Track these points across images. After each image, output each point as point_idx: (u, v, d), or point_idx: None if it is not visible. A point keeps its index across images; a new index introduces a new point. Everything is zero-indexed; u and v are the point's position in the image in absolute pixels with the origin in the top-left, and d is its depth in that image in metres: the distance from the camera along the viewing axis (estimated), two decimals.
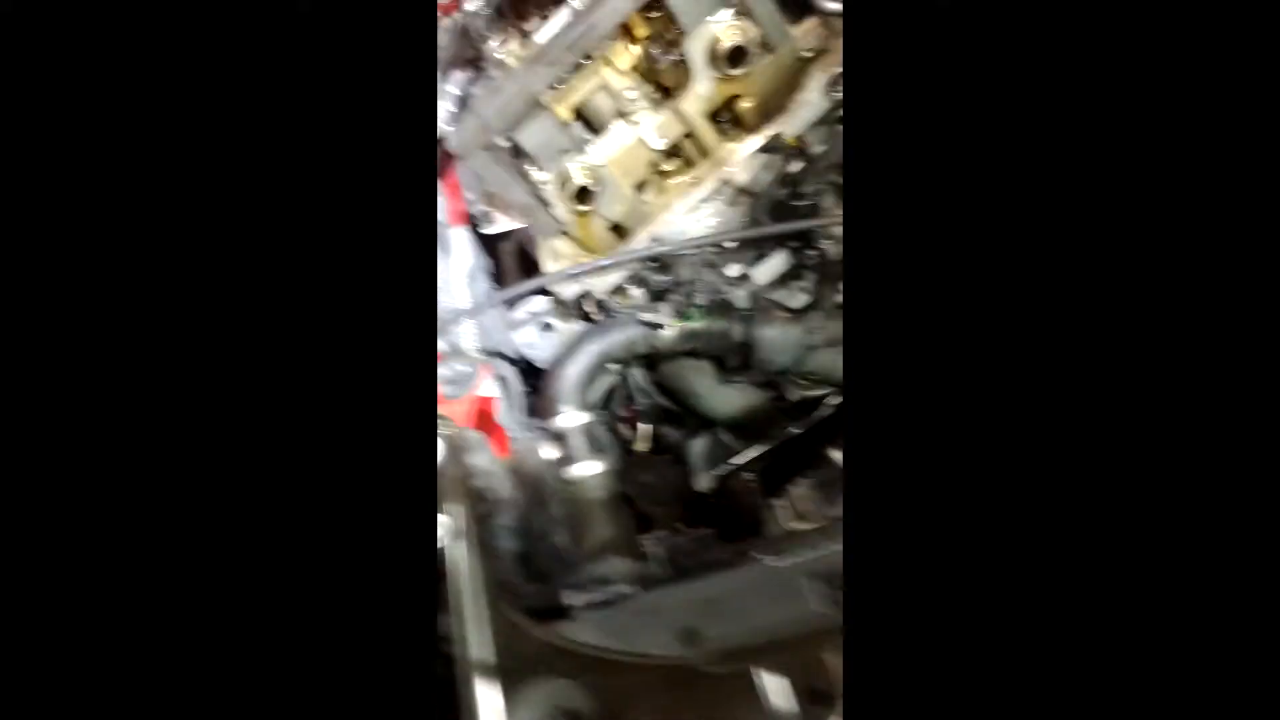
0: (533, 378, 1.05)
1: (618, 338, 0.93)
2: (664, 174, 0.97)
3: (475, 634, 0.49)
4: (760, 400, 1.03)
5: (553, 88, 0.89)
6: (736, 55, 0.87)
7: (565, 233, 0.98)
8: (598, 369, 0.94)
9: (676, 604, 0.55)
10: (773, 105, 0.91)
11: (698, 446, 1.03)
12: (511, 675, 0.48)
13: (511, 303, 1.01)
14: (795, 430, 1.02)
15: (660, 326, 0.90)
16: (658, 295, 1.01)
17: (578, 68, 0.89)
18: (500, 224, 1.03)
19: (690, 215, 0.93)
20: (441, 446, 0.58)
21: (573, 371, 0.92)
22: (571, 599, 0.55)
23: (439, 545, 0.53)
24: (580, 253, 1.00)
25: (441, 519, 0.54)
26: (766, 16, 0.86)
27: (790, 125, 0.89)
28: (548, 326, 1.06)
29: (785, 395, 1.03)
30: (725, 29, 0.86)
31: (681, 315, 0.90)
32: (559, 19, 0.87)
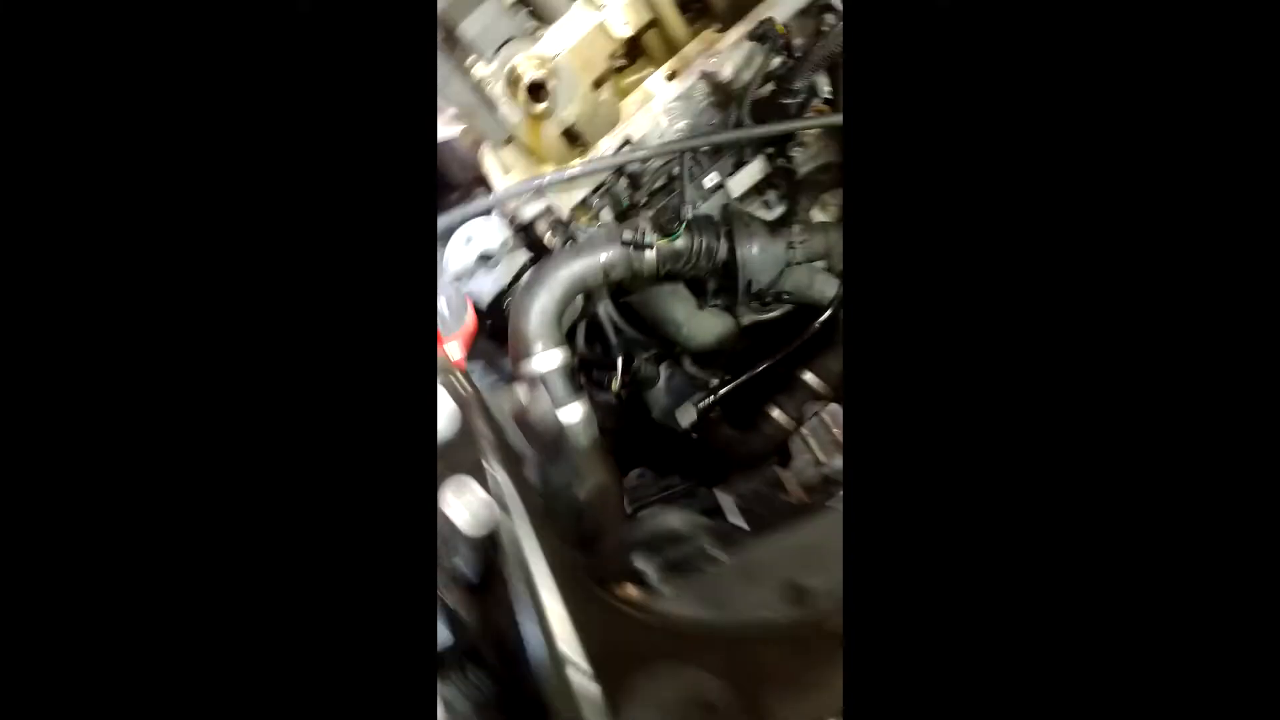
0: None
1: (591, 262, 0.80)
2: (621, 70, 0.84)
3: (559, 625, 0.39)
4: (733, 326, 0.95)
5: None
6: None
7: (512, 138, 0.84)
8: (569, 300, 0.81)
9: (769, 560, 0.47)
10: None
11: (675, 380, 0.94)
12: (614, 668, 0.38)
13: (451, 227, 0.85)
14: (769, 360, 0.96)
15: (648, 246, 0.79)
16: (625, 212, 0.89)
17: None
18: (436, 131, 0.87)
19: (663, 117, 0.82)
20: (455, 404, 0.46)
21: (545, 303, 0.79)
22: (643, 564, 0.46)
23: (489, 528, 0.41)
24: (531, 163, 0.86)
25: (479, 494, 0.42)
26: None
27: (777, 12, 0.79)
28: (486, 258, 0.92)
29: (758, 318, 0.96)
30: None
31: (667, 233, 0.79)
32: None
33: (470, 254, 0.90)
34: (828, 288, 0.92)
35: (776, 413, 0.89)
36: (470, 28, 0.76)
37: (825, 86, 0.83)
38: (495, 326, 0.93)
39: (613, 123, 0.83)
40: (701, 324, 0.91)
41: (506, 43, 0.79)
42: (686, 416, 0.91)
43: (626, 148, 0.81)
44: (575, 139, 0.86)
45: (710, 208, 0.88)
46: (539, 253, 0.91)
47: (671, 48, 0.83)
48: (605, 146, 0.81)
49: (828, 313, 0.91)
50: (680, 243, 0.80)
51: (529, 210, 0.84)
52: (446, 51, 0.78)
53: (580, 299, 0.90)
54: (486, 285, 0.93)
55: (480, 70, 0.79)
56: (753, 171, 0.90)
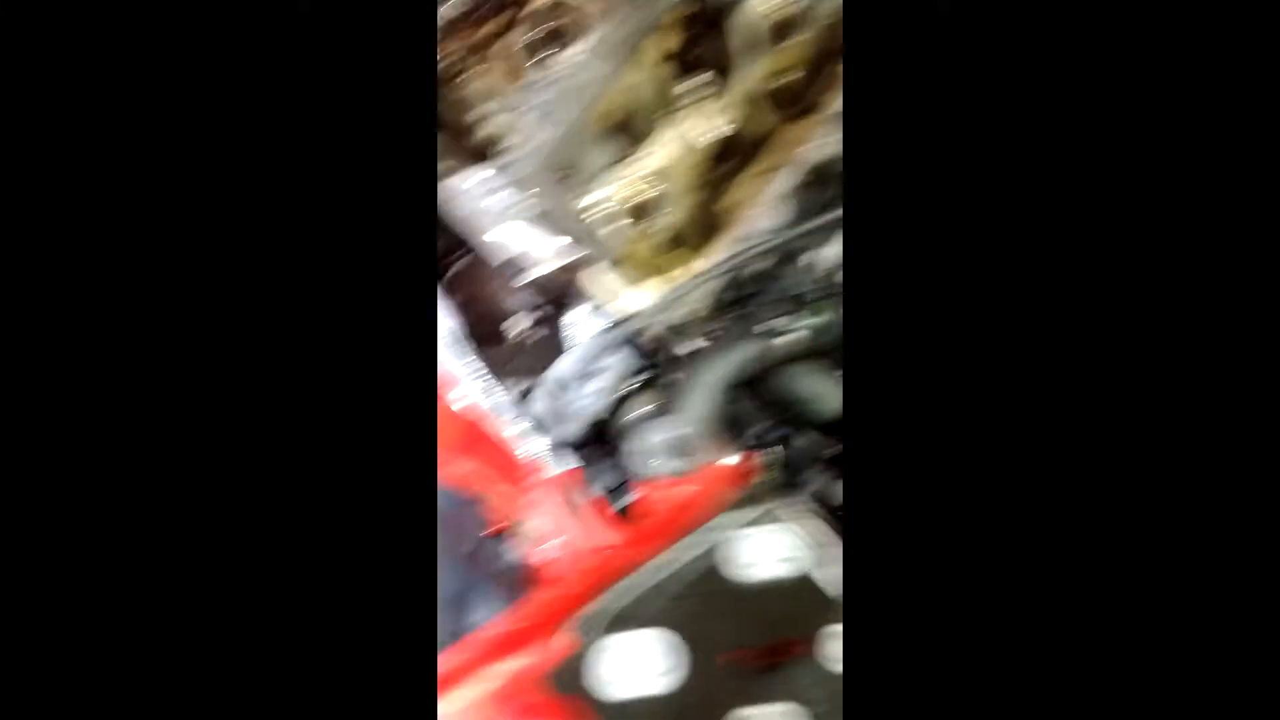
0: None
1: (731, 362, 0.81)
2: (721, 170, 0.87)
3: None
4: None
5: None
6: (783, 29, 0.80)
7: (621, 260, 0.84)
8: (722, 405, 0.81)
9: None
10: (821, 75, 0.85)
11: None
12: None
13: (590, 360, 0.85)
14: None
15: (785, 333, 0.80)
16: (737, 303, 0.91)
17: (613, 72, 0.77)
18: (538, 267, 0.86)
19: (772, 209, 0.84)
20: None
21: (701, 414, 0.79)
22: None
23: None
24: (641, 279, 0.87)
25: None
26: None
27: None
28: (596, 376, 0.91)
29: None
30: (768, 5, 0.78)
31: (811, 312, 0.81)
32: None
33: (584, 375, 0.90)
34: None
35: None
36: (573, 156, 0.77)
37: None
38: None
39: (721, 223, 0.85)
40: (833, 394, 0.92)
41: (610, 166, 0.81)
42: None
43: (743, 245, 0.83)
44: (681, 243, 0.88)
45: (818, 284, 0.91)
46: (648, 360, 0.91)
47: (768, 143, 0.86)
48: (722, 248, 0.83)
49: None
50: (819, 320, 0.82)
51: (660, 321, 0.84)
52: (554, 182, 0.79)
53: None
54: (589, 400, 0.92)
55: (587, 198, 0.81)
56: (837, 242, 0.93)
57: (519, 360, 0.91)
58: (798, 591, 0.75)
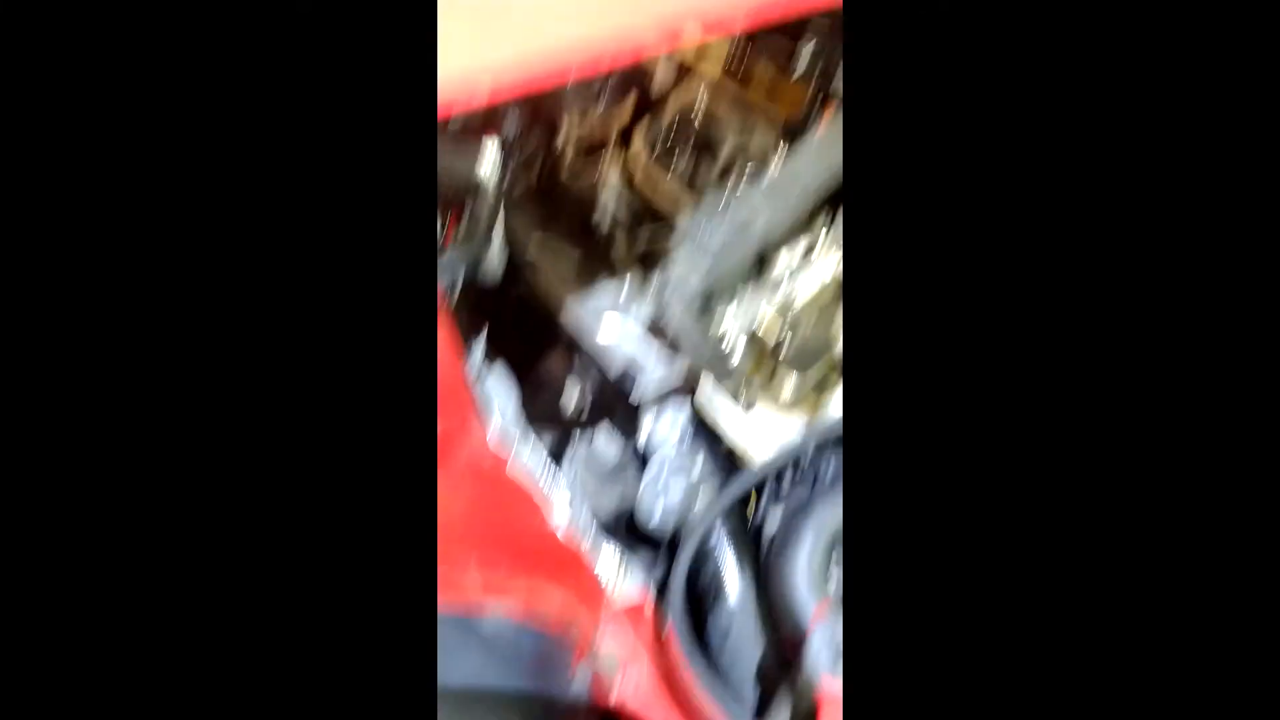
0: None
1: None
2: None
3: None
4: None
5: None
6: None
7: (746, 383, 0.83)
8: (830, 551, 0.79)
9: None
10: None
11: None
12: None
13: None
14: None
15: None
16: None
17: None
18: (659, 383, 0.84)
19: None
20: None
21: (808, 558, 0.76)
22: None
23: None
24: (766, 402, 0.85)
25: None
26: None
27: None
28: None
29: None
30: None
31: None
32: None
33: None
34: None
35: None
36: (699, 280, 0.76)
37: None
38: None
39: (827, 350, 0.83)
40: None
41: (741, 290, 0.79)
42: None
43: None
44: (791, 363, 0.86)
45: None
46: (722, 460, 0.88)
47: None
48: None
49: None
50: None
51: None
52: (690, 310, 0.78)
53: None
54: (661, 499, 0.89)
55: (718, 324, 0.79)
56: None
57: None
58: None
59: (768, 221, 0.70)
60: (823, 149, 0.69)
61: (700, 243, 0.69)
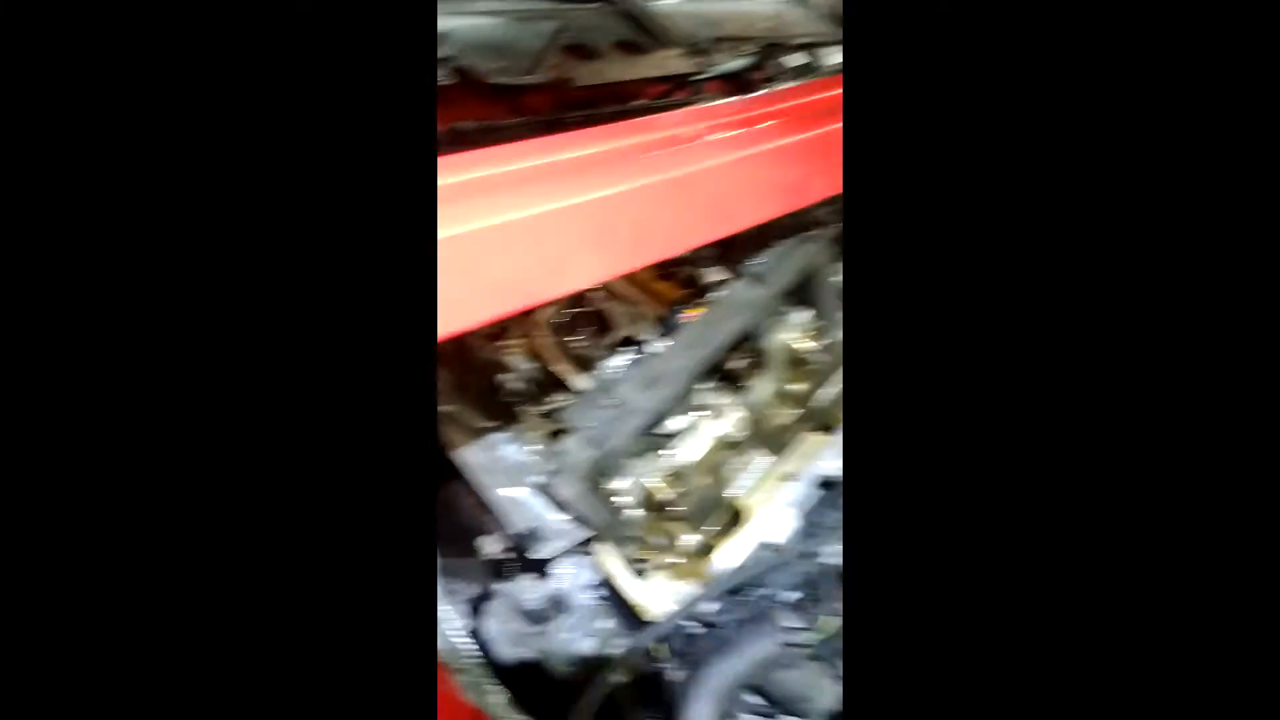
0: None
1: (742, 664, 0.83)
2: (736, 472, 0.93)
3: None
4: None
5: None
6: (800, 357, 0.90)
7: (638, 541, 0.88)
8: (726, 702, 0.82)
9: None
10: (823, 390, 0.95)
11: None
12: None
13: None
14: None
15: (791, 638, 0.83)
16: (744, 603, 0.94)
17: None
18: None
19: (789, 514, 0.90)
20: None
21: (706, 712, 0.80)
22: None
23: None
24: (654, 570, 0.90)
25: None
26: (829, 316, 0.91)
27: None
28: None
29: None
30: (799, 335, 0.89)
31: (817, 627, 0.84)
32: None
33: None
34: None
35: None
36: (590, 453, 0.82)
37: None
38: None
39: (720, 506, 0.90)
40: (830, 692, 0.93)
41: (634, 458, 0.86)
42: None
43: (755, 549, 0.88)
44: (686, 522, 0.92)
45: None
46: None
47: (772, 440, 0.94)
48: (740, 547, 0.88)
49: None
50: (832, 631, 0.85)
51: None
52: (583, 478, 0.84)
53: None
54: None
55: (612, 486, 0.85)
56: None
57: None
58: None
59: (652, 396, 0.77)
60: (695, 335, 0.79)
61: (590, 417, 0.76)
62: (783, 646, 0.82)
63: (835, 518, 0.94)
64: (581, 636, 0.89)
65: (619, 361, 0.90)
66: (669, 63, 1.01)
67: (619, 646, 0.86)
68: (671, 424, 0.89)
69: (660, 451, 0.87)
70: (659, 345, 0.83)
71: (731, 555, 0.87)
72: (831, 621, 0.85)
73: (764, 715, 0.94)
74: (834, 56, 1.19)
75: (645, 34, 1.02)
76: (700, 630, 0.88)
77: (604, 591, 0.91)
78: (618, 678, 0.88)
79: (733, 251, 0.84)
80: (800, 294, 0.89)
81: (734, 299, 0.79)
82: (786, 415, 0.94)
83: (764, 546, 0.88)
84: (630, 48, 0.99)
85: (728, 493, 0.90)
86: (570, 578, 0.95)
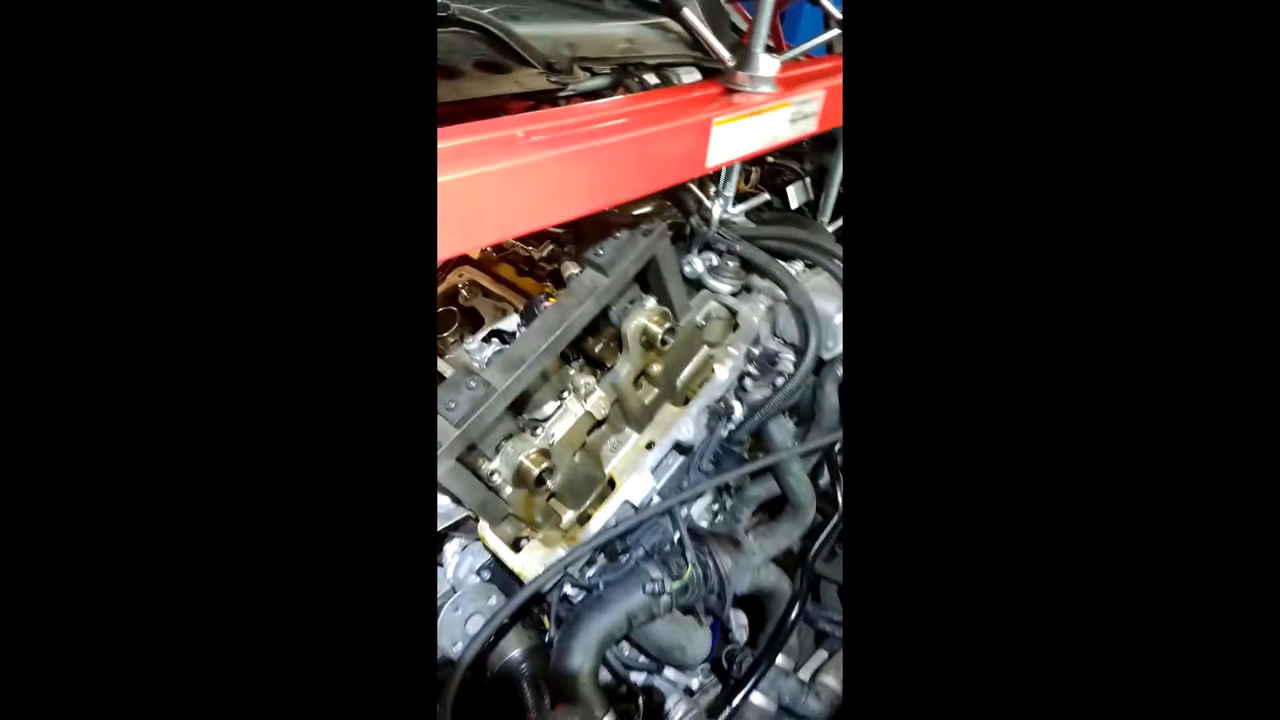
0: None
1: (617, 616, 0.91)
2: (603, 445, 1.02)
3: None
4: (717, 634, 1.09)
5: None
6: (660, 338, 1.00)
7: (510, 515, 0.95)
8: (602, 657, 0.90)
9: None
10: (676, 369, 1.05)
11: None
12: None
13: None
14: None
15: (667, 592, 0.92)
16: (612, 557, 1.02)
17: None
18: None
19: (650, 478, 0.99)
20: None
21: (580, 662, 0.87)
22: None
23: None
24: (531, 539, 0.97)
25: None
26: (678, 302, 1.01)
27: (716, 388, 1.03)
28: None
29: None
30: (650, 319, 0.98)
31: (677, 575, 0.94)
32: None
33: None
34: (781, 581, 1.11)
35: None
36: (477, 432, 0.90)
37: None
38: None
39: (596, 480, 0.98)
40: (700, 642, 1.03)
41: (507, 439, 0.94)
42: None
43: (627, 511, 0.97)
44: (562, 499, 1.00)
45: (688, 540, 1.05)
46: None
47: (637, 417, 1.03)
48: (608, 511, 0.96)
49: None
50: (688, 579, 0.95)
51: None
52: (460, 456, 0.91)
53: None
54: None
55: (486, 465, 0.93)
56: (706, 500, 1.10)
57: None
58: None
59: (512, 382, 0.86)
60: (550, 319, 0.87)
61: (456, 399, 0.84)
62: (651, 597, 0.91)
63: (690, 479, 1.04)
64: (471, 615, 0.96)
65: (487, 352, 0.98)
66: (529, 81, 1.11)
67: (504, 617, 0.93)
68: (546, 408, 0.98)
69: (531, 431, 0.95)
70: (519, 331, 0.91)
71: (602, 519, 0.96)
72: (688, 571, 0.95)
73: (644, 670, 1.03)
74: (689, 75, 1.30)
75: (506, 54, 1.11)
76: (578, 595, 0.96)
77: (489, 570, 0.99)
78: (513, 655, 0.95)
79: (582, 246, 0.93)
80: (646, 282, 0.99)
81: (581, 285, 0.88)
82: (646, 393, 1.05)
83: (627, 505, 0.97)
84: (491, 67, 1.08)
85: (598, 467, 0.99)
86: (454, 559, 1.02)
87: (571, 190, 0.68)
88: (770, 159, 1.43)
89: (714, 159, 0.85)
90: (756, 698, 1.08)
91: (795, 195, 1.38)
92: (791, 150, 1.44)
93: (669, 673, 1.07)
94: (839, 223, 1.34)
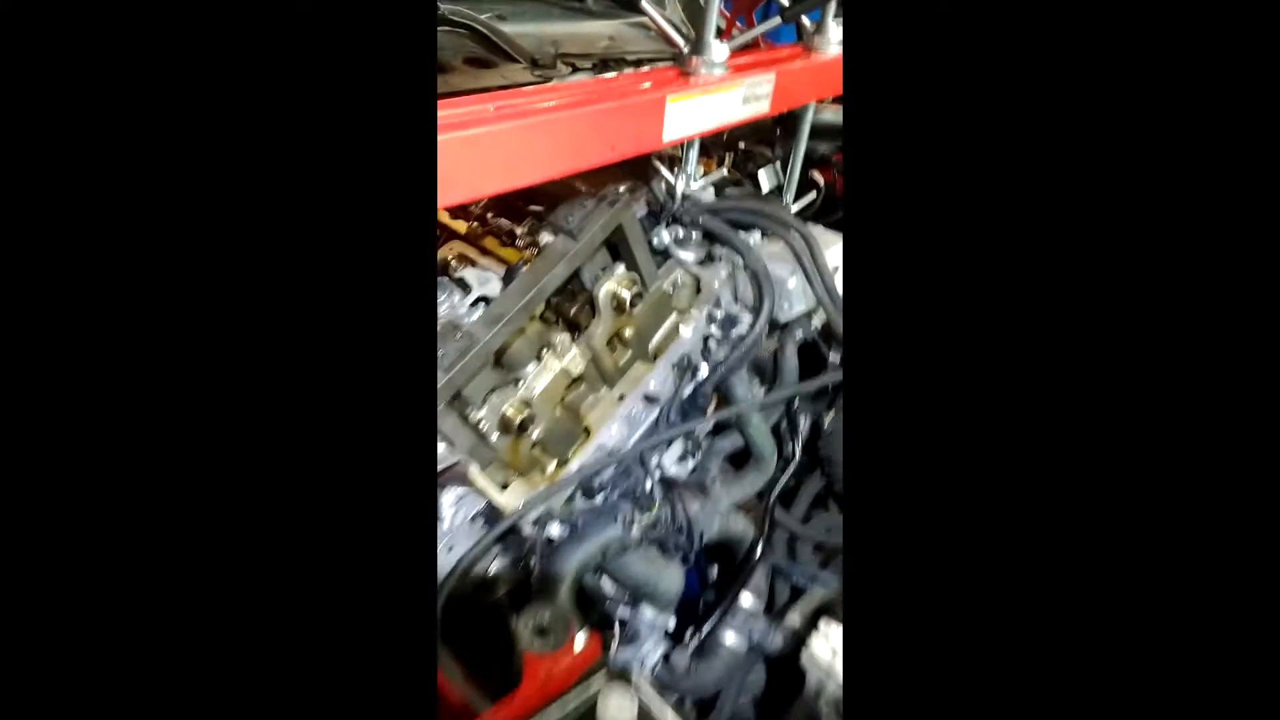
0: None
1: (593, 546, 1.01)
2: (580, 398, 1.13)
3: None
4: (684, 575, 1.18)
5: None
6: (630, 301, 1.11)
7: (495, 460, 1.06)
8: (580, 580, 1.01)
9: None
10: (647, 332, 1.16)
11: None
12: None
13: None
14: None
15: (634, 523, 1.02)
16: (590, 495, 1.13)
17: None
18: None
19: (622, 426, 1.10)
20: None
21: (559, 580, 0.98)
22: None
23: None
24: (513, 475, 1.08)
25: None
26: (646, 270, 1.11)
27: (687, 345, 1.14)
28: None
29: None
30: (620, 284, 1.09)
31: (643, 508, 1.04)
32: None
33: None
34: (749, 530, 1.21)
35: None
36: (465, 387, 1.00)
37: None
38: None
39: (576, 432, 1.09)
40: (671, 577, 1.13)
41: (492, 391, 1.04)
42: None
43: (602, 454, 1.07)
44: (545, 449, 1.11)
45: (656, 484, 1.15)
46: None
47: (611, 377, 1.14)
48: (585, 455, 1.07)
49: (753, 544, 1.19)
50: (654, 514, 1.05)
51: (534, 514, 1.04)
52: (448, 405, 1.01)
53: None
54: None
55: (475, 414, 1.03)
56: (676, 449, 1.20)
57: None
58: None
59: (492, 336, 0.96)
60: (526, 280, 0.98)
61: (443, 350, 0.95)
62: (623, 528, 1.02)
63: (660, 431, 1.15)
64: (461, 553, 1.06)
65: (475, 315, 1.09)
66: (514, 75, 1.22)
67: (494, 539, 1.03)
68: (529, 367, 1.09)
69: (514, 385, 1.06)
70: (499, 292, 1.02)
71: (579, 462, 1.07)
72: (656, 505, 1.05)
73: (619, 601, 1.13)
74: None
75: (493, 51, 1.23)
76: (559, 533, 1.06)
77: (482, 518, 1.09)
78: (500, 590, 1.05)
79: (554, 216, 1.04)
80: (617, 252, 1.10)
81: (553, 249, 0.99)
82: (621, 355, 1.15)
83: (600, 448, 1.07)
84: (478, 63, 1.20)
85: (577, 421, 1.09)
86: (451, 509, 1.13)
87: (535, 156, 0.79)
88: (743, 146, 1.54)
89: (670, 134, 0.95)
90: (730, 637, 1.18)
91: (766, 178, 1.48)
92: (764, 138, 1.54)
93: (647, 613, 1.17)
94: (803, 202, 1.45)
